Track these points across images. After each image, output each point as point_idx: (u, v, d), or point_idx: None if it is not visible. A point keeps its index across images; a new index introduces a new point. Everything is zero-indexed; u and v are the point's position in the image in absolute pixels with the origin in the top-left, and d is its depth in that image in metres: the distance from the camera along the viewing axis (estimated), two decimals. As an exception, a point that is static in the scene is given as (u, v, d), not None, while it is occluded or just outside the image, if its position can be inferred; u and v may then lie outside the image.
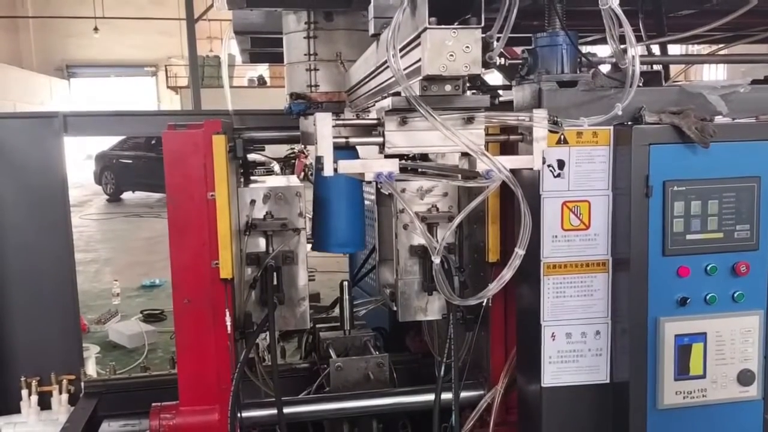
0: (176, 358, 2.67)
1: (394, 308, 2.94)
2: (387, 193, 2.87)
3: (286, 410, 2.72)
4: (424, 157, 2.59)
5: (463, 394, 2.78)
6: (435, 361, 3.10)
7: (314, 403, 2.94)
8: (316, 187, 2.99)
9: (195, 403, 2.61)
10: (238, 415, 2.68)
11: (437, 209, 2.82)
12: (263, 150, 3.19)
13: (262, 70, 25.75)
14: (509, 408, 2.75)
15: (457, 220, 2.14)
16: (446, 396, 2.76)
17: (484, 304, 2.67)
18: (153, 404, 2.67)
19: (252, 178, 3.07)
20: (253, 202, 2.80)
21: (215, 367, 2.60)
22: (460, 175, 2.09)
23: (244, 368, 2.71)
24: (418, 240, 2.84)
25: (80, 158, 24.10)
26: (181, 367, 2.64)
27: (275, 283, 2.74)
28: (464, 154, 2.13)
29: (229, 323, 2.57)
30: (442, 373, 2.76)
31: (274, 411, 2.72)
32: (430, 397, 2.78)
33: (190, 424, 2.60)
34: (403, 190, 2.78)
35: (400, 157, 2.01)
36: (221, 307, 2.57)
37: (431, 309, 2.92)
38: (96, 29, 26.76)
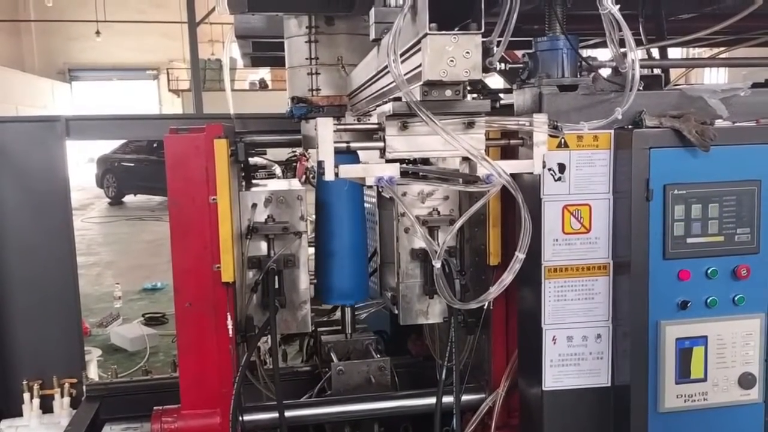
0: (178, 362, 2.67)
1: (396, 311, 2.94)
2: (388, 197, 2.89)
3: (288, 414, 2.72)
4: (425, 160, 2.59)
5: (465, 398, 2.79)
6: (436, 364, 3.10)
7: (316, 406, 2.94)
8: (318, 229, 3.00)
9: (196, 406, 2.62)
10: (240, 418, 2.68)
11: (438, 213, 2.82)
12: (265, 153, 3.20)
13: (264, 73, 25.78)
14: (510, 411, 2.75)
15: (458, 224, 2.15)
16: (448, 399, 2.76)
17: (485, 307, 2.67)
18: (154, 407, 2.67)
19: (254, 181, 3.07)
20: (254, 205, 2.81)
21: (217, 370, 2.61)
22: (460, 180, 2.10)
23: (246, 372, 2.72)
24: (419, 243, 2.85)
25: (82, 161, 24.12)
26: (182, 370, 2.65)
27: (276, 286, 2.75)
28: (465, 159, 2.14)
29: (230, 327, 2.57)
30: (443, 376, 2.76)
31: (276, 414, 2.72)
32: (432, 400, 2.78)
33: (191, 428, 2.60)
34: (404, 194, 2.79)
35: (401, 161, 2.02)
36: (223, 311, 2.57)
37: (432, 312, 2.92)
38: (98, 32, 26.82)
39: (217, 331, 2.58)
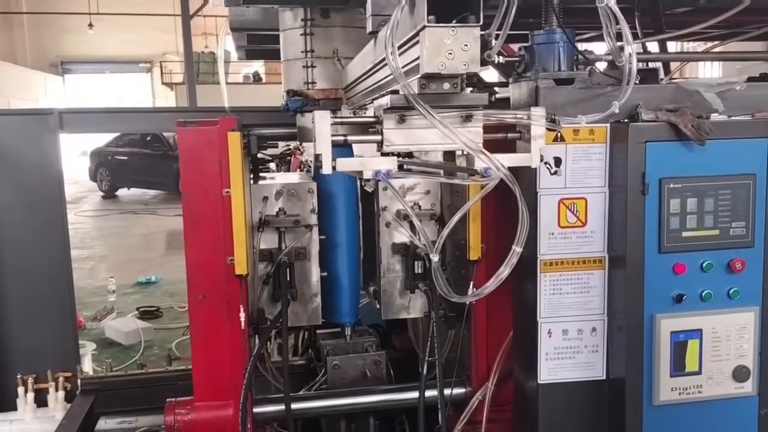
0: (191, 354, 2.67)
1: (378, 306, 2.95)
2: (370, 191, 2.90)
3: (296, 406, 2.72)
4: (409, 154, 2.59)
5: (447, 392, 2.78)
6: (419, 358, 3.10)
7: (321, 399, 2.93)
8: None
9: (209, 398, 2.63)
10: (252, 410, 2.68)
11: (419, 207, 2.83)
12: (276, 147, 3.20)
13: (258, 66, 25.66)
14: (495, 405, 2.75)
15: (455, 218, 2.14)
16: (433, 394, 2.76)
17: (467, 302, 2.68)
18: (167, 399, 2.68)
19: (261, 174, 3.07)
20: (265, 198, 2.81)
21: (229, 362, 2.62)
22: (442, 172, 2.09)
23: (257, 364, 2.71)
24: (401, 238, 2.86)
25: (75, 154, 23.99)
26: (195, 362, 2.65)
27: (288, 279, 2.75)
28: (446, 153, 2.14)
29: (243, 319, 2.57)
30: (425, 371, 2.76)
31: (283, 406, 2.71)
32: (427, 393, 2.78)
33: (204, 420, 2.61)
34: (385, 189, 2.79)
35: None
36: (236, 303, 2.58)
37: (414, 307, 2.93)
38: (91, 25, 26.62)
39: (230, 324, 2.60)
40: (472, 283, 2.58)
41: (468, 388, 2.83)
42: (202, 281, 2.58)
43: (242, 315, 2.58)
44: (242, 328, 2.59)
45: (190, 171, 2.53)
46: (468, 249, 2.66)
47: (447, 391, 2.77)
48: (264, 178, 3.03)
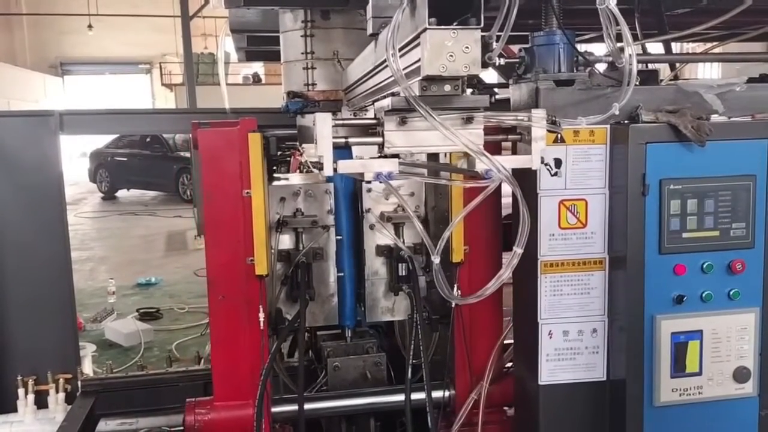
0: (210, 354, 2.68)
1: (362, 309, 2.95)
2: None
3: (309, 406, 2.74)
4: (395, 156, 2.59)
5: (435, 395, 2.77)
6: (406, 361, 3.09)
7: (322, 400, 2.92)
8: None
9: (229, 398, 2.64)
10: (271, 409, 2.68)
11: (403, 209, 2.83)
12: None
13: (257, 67, 25.66)
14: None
15: (457, 220, 2.15)
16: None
17: (453, 305, 2.67)
18: (187, 399, 2.69)
19: (275, 175, 3.07)
20: (282, 199, 2.81)
21: (249, 362, 2.62)
22: (438, 173, 2.08)
23: (274, 364, 2.71)
24: (384, 240, 2.86)
25: (75, 156, 23.98)
26: (215, 362, 2.66)
27: (306, 279, 2.76)
28: (431, 155, 2.15)
29: (262, 319, 2.58)
30: (409, 373, 2.76)
31: (294, 407, 2.72)
32: (422, 395, 2.77)
33: (224, 419, 2.62)
34: (369, 191, 2.80)
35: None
36: (256, 304, 2.59)
37: (398, 309, 2.93)
38: (90, 26, 26.61)
39: (249, 324, 2.60)
40: (456, 285, 2.59)
41: (452, 391, 2.82)
42: (222, 282, 2.58)
43: (261, 315, 2.58)
44: (261, 328, 2.59)
45: (210, 172, 2.54)
46: (451, 251, 2.66)
47: (435, 394, 2.76)
48: (278, 179, 3.03)
